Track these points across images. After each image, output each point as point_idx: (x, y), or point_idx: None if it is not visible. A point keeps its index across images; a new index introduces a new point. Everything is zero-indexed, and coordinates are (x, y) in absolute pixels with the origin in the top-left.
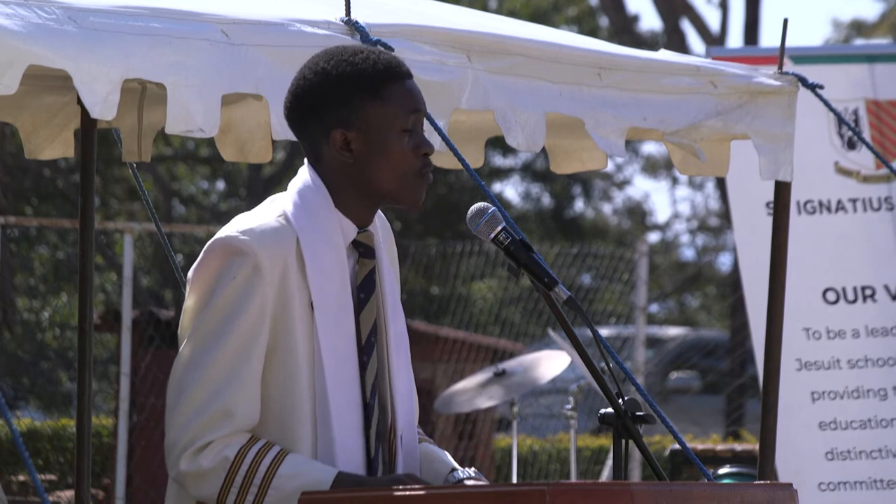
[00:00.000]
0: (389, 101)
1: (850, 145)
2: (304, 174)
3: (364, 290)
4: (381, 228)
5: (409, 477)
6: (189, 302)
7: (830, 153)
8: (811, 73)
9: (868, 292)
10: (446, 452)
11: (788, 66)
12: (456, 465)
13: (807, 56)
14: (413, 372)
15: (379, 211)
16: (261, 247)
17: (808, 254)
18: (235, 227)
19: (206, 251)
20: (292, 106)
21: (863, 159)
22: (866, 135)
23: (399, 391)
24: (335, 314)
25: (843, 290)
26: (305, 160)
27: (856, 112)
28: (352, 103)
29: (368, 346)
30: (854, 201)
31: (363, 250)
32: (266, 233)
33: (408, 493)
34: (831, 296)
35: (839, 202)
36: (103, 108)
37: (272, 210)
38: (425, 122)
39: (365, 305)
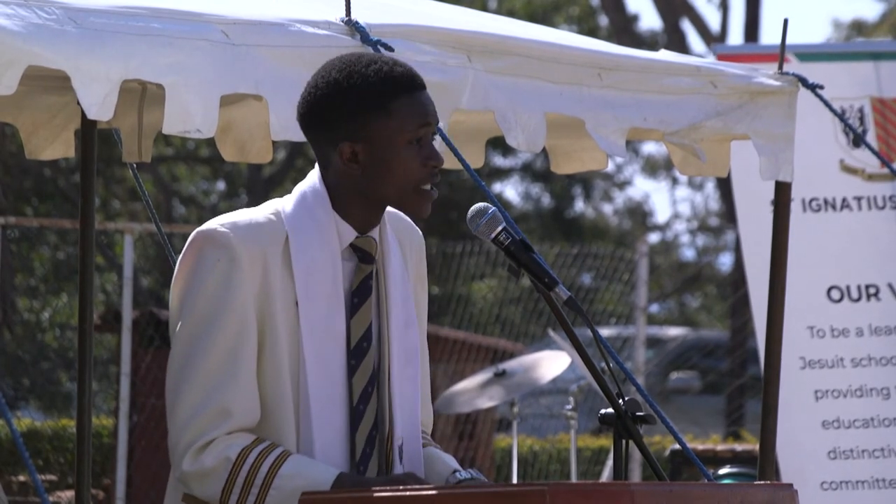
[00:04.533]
0: (397, 114)
1: (856, 143)
2: (310, 177)
3: (358, 294)
4: (411, 245)
5: (411, 477)
6: (172, 294)
7: (836, 151)
8: (816, 70)
9: (872, 291)
10: (451, 456)
11: (793, 63)
12: (458, 466)
13: (812, 53)
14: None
15: (416, 228)
16: (239, 240)
17: (813, 252)
18: (220, 220)
19: (187, 243)
20: (303, 112)
21: (868, 157)
22: (871, 133)
23: (400, 401)
24: (323, 315)
25: (848, 288)
26: (316, 164)
27: (861, 110)
28: (360, 117)
29: (359, 350)
30: (859, 199)
31: (361, 255)
32: (248, 226)
33: (408, 493)
34: (835, 294)
35: (844, 200)
36: (101, 108)
37: (267, 207)
38: None
39: (358, 310)
